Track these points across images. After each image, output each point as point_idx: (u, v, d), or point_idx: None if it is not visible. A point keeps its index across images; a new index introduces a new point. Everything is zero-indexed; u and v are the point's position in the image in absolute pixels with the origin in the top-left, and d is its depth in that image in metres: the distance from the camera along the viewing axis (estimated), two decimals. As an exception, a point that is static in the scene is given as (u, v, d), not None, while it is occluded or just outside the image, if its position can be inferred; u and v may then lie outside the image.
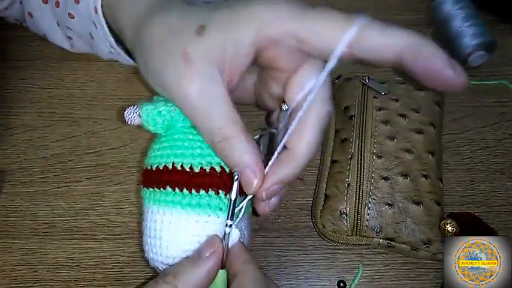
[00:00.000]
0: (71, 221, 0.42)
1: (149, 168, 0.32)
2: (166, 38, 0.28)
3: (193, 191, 0.29)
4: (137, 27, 0.31)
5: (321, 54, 0.26)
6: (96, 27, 0.38)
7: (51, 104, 0.48)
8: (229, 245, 0.28)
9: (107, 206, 0.43)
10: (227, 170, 0.29)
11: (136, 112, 0.30)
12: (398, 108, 0.42)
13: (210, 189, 0.29)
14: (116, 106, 0.47)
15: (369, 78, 0.44)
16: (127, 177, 0.44)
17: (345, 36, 0.24)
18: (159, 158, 0.31)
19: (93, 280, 0.40)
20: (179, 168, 0.29)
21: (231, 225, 0.28)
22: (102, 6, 0.36)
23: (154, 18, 0.29)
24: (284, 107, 0.30)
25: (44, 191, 0.43)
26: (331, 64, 0.26)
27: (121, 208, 0.43)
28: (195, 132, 0.30)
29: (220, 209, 0.29)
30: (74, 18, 0.40)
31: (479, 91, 0.47)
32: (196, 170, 0.29)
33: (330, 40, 0.25)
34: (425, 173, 0.39)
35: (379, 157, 0.39)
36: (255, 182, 0.27)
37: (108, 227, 0.42)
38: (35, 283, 0.40)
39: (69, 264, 0.40)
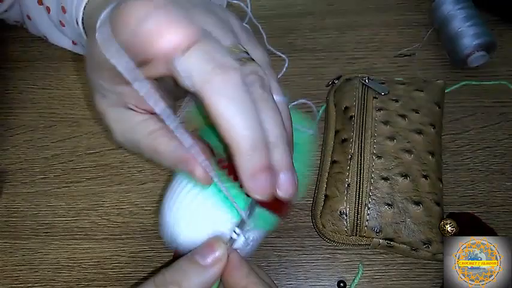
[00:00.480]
0: (72, 221, 0.42)
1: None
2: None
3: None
4: None
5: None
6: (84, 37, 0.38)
7: (51, 104, 0.48)
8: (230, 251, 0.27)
9: (108, 206, 0.43)
10: None
11: None
12: (398, 109, 0.42)
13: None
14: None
15: (368, 78, 0.44)
16: (127, 178, 0.44)
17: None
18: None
19: (94, 280, 0.40)
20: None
21: (239, 234, 0.27)
22: (82, 19, 0.36)
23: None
24: None
25: (44, 192, 0.44)
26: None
27: (121, 208, 0.43)
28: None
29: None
30: (64, 26, 0.40)
31: (479, 91, 0.47)
32: None
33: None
34: (425, 174, 0.39)
35: (379, 157, 0.39)
36: (195, 171, 0.25)
37: (108, 227, 0.42)
38: (36, 283, 0.40)
39: (70, 264, 0.41)
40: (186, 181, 0.29)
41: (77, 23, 0.36)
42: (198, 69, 0.21)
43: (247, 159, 0.23)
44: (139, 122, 0.26)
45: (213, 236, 0.28)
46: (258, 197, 0.24)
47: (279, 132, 0.24)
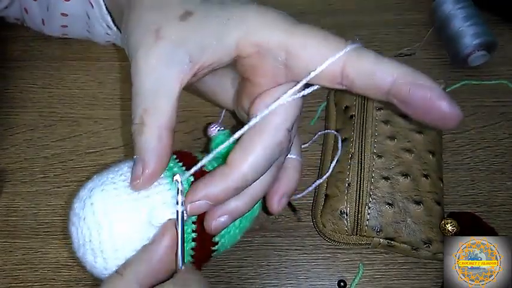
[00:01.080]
0: (72, 220, 0.42)
1: None
2: (150, 10, 0.27)
3: None
4: None
5: (308, 72, 0.25)
6: (93, 7, 0.38)
7: (51, 103, 0.48)
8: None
9: (108, 205, 0.43)
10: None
11: None
12: (399, 108, 0.42)
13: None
14: (117, 106, 0.47)
15: (369, 78, 0.44)
16: (127, 177, 0.44)
17: (339, 53, 0.24)
18: None
19: (94, 280, 0.40)
20: None
21: (182, 203, 0.26)
22: None
23: None
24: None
25: (44, 191, 0.43)
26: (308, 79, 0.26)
27: (121, 208, 0.43)
28: None
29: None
30: (69, 0, 0.40)
31: (479, 91, 0.47)
32: None
33: (322, 57, 0.24)
34: (425, 173, 0.39)
35: (380, 157, 0.39)
36: (136, 180, 0.26)
37: (108, 226, 0.42)
38: (35, 282, 0.40)
39: (70, 263, 0.41)
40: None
41: None
42: (283, 115, 0.26)
43: (222, 187, 0.25)
44: (175, 81, 0.26)
45: (165, 222, 0.26)
46: (188, 208, 0.26)
47: (260, 193, 0.27)
